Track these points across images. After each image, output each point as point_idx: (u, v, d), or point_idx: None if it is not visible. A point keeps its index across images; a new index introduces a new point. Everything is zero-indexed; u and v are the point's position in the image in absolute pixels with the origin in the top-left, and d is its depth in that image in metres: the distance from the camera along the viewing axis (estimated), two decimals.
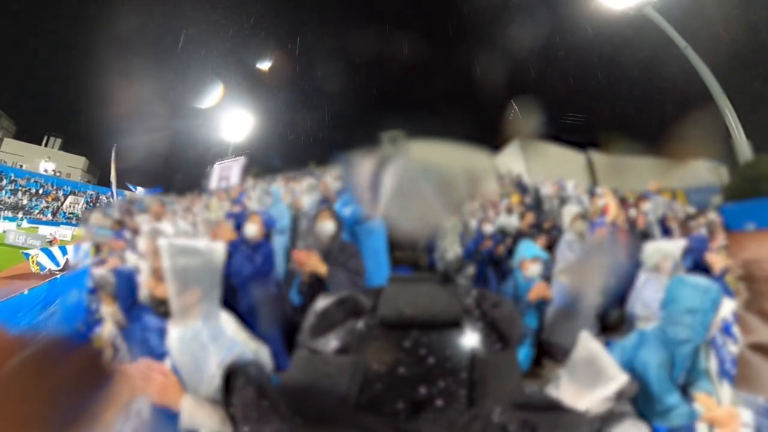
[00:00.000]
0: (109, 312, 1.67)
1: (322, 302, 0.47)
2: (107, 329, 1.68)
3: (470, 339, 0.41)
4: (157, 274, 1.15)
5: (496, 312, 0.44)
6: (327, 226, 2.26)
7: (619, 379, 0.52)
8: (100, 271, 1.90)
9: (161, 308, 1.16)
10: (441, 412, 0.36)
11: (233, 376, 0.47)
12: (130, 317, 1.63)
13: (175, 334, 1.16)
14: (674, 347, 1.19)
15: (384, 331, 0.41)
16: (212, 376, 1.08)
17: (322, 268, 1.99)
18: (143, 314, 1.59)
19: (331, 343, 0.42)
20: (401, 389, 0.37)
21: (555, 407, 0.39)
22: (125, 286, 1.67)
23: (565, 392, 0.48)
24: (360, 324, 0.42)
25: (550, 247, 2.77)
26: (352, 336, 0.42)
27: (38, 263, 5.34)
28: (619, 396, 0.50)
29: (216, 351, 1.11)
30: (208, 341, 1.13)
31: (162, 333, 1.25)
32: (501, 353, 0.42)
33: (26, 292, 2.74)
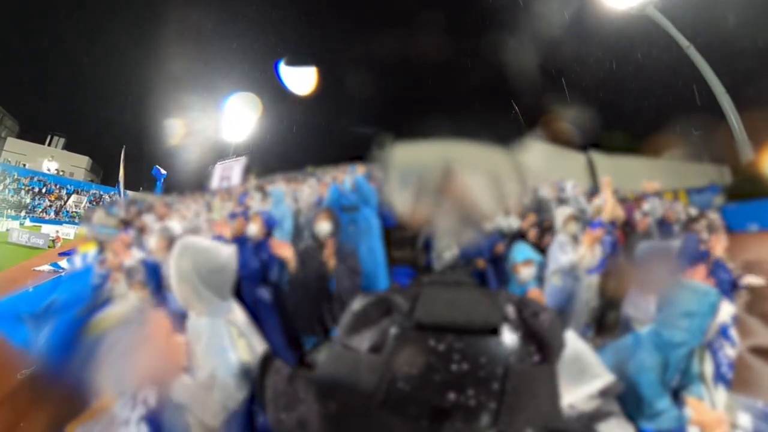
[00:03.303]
0: (138, 297, 1.87)
1: (359, 302, 0.47)
2: (123, 311, 1.83)
3: (507, 348, 0.39)
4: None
5: (536, 321, 0.42)
6: (324, 227, 2.40)
7: (604, 377, 0.52)
8: (130, 262, 2.17)
9: None
10: (466, 422, 0.35)
11: (268, 361, 0.48)
12: (158, 301, 1.82)
13: (192, 315, 1.27)
14: (669, 350, 1.19)
15: (418, 333, 0.40)
16: (201, 367, 1.15)
17: (291, 262, 2.20)
18: (168, 299, 1.75)
19: (366, 341, 0.42)
20: (429, 394, 0.36)
21: None
22: (153, 275, 1.88)
23: None
24: (395, 325, 0.42)
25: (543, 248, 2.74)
26: (385, 336, 0.41)
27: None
28: (603, 394, 0.51)
29: (207, 348, 1.17)
30: (205, 337, 1.20)
31: (183, 316, 1.34)
32: (538, 367, 0.40)
33: (30, 290, 2.76)
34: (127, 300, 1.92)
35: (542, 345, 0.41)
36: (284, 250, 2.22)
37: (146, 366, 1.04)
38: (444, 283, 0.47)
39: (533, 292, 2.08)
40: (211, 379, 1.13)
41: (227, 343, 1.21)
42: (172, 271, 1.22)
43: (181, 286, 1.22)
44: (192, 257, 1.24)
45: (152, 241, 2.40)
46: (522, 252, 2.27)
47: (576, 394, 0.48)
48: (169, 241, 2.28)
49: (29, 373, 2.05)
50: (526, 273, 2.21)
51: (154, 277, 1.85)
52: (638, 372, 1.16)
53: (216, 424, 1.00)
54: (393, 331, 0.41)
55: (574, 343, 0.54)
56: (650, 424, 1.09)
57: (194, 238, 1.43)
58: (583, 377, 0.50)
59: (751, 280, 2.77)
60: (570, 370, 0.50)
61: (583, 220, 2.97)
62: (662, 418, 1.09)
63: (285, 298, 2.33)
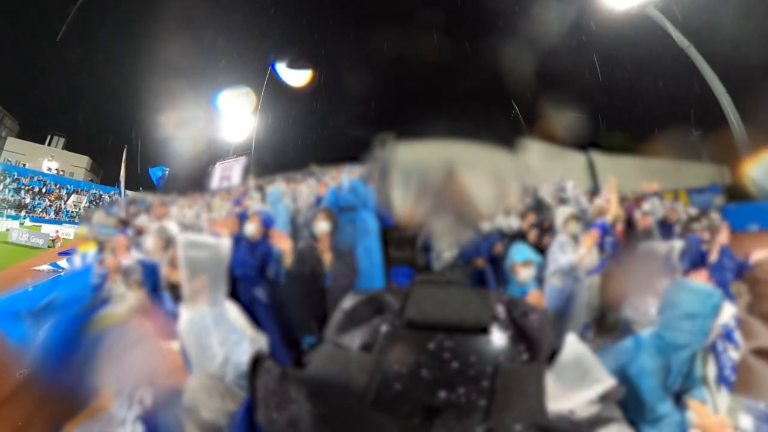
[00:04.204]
0: (135, 297, 1.89)
1: (349, 300, 0.48)
2: (123, 310, 1.84)
3: (496, 346, 0.40)
4: (173, 263, 1.36)
5: (526, 320, 0.43)
6: (323, 226, 2.41)
7: (605, 382, 0.51)
8: (127, 262, 2.17)
9: (175, 292, 1.34)
10: (456, 420, 0.35)
11: (259, 360, 0.48)
12: (154, 301, 1.83)
13: (185, 316, 1.31)
14: (671, 353, 1.17)
15: (409, 332, 0.41)
16: (214, 354, 1.20)
17: (287, 255, 2.21)
18: (164, 299, 1.79)
19: (356, 339, 0.42)
20: (420, 392, 0.36)
21: None
22: (149, 274, 1.90)
23: (550, 393, 0.48)
24: (385, 323, 0.42)
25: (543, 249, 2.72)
26: (376, 334, 0.41)
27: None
28: (604, 399, 0.51)
29: (217, 333, 1.25)
30: (212, 324, 1.27)
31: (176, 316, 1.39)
32: (527, 366, 0.40)
33: (30, 289, 2.76)
34: (124, 300, 1.93)
35: (531, 344, 0.42)
36: (283, 241, 2.24)
37: (142, 366, 1.05)
38: (435, 282, 0.47)
39: (533, 295, 2.03)
40: (223, 366, 1.17)
41: (232, 324, 1.30)
42: (182, 264, 1.28)
43: (194, 277, 1.29)
44: (196, 248, 1.33)
45: (149, 241, 2.38)
46: (521, 253, 2.21)
47: (577, 399, 0.48)
48: (166, 241, 2.27)
49: (28, 373, 2.05)
50: (526, 274, 2.16)
51: (150, 277, 1.86)
52: (639, 376, 1.14)
53: (236, 407, 1.00)
54: (384, 329, 0.42)
55: (575, 346, 0.54)
56: (652, 429, 1.08)
57: (194, 234, 1.48)
58: (584, 381, 0.49)
59: (758, 256, 2.73)
60: (571, 375, 0.50)
61: (584, 220, 2.95)
62: (664, 423, 1.07)
63: (282, 297, 2.34)
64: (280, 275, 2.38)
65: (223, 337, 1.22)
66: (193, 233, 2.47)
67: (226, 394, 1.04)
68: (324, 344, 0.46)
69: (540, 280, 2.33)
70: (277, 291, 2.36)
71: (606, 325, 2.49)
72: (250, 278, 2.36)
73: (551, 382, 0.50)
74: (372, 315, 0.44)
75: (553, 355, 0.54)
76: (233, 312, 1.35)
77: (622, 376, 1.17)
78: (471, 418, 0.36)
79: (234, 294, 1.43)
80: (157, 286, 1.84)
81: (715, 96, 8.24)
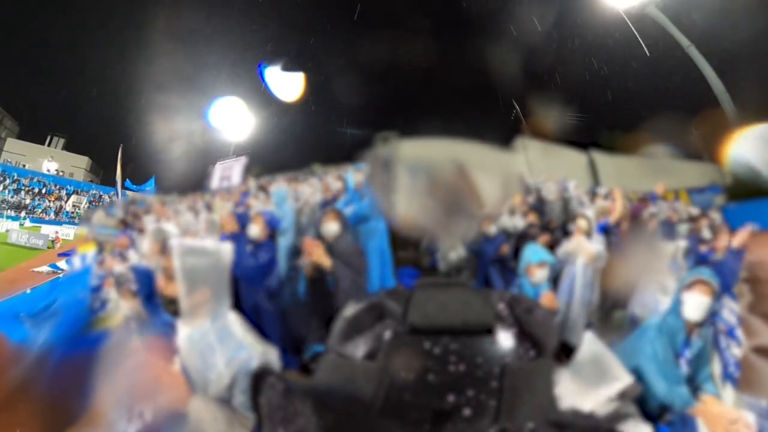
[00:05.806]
0: (129, 306, 1.74)
1: (351, 308, 0.47)
2: (119, 318, 1.75)
3: (502, 346, 0.40)
4: (168, 274, 1.18)
5: (529, 317, 0.43)
6: (331, 227, 2.35)
7: (624, 379, 0.52)
8: (120, 268, 2.05)
9: (171, 307, 1.18)
10: (467, 423, 0.35)
11: (261, 376, 0.48)
12: (150, 311, 1.69)
13: (184, 333, 1.17)
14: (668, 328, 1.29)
15: (413, 337, 0.40)
16: (220, 376, 1.08)
17: (325, 261, 2.08)
18: (160, 308, 1.63)
19: (360, 348, 0.42)
20: (428, 397, 0.36)
21: (595, 429, 0.38)
22: (144, 282, 1.74)
23: (567, 391, 0.48)
24: (389, 330, 0.42)
25: (552, 247, 2.75)
26: (380, 342, 0.41)
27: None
28: (622, 396, 0.50)
29: (223, 351, 1.12)
30: (216, 342, 1.13)
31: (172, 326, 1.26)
32: (534, 363, 0.41)
33: (28, 291, 2.75)
34: (118, 308, 1.82)
35: (537, 341, 0.41)
36: (318, 251, 2.03)
37: (137, 379, 1.01)
38: (436, 284, 0.47)
39: (547, 296, 2.04)
40: (231, 388, 1.07)
41: (239, 341, 1.18)
42: (180, 275, 1.13)
43: (193, 290, 1.15)
44: (194, 255, 1.18)
45: (144, 245, 2.29)
46: (536, 254, 2.22)
47: (596, 397, 0.47)
48: (163, 244, 2.18)
49: (28, 376, 2.03)
50: (540, 275, 2.16)
51: (145, 285, 1.71)
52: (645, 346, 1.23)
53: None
54: (387, 336, 0.41)
55: (592, 345, 0.54)
56: (665, 399, 1.11)
57: (189, 239, 1.37)
58: (602, 379, 0.49)
59: (739, 239, 2.79)
60: (589, 373, 0.49)
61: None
62: (674, 395, 1.13)
63: (288, 303, 2.28)
64: (295, 284, 2.30)
65: (229, 356, 1.10)
66: (191, 237, 2.39)
67: (233, 419, 0.97)
68: (327, 354, 0.46)
69: (554, 281, 2.34)
70: (282, 295, 2.31)
71: (612, 324, 2.50)
72: (254, 282, 2.29)
73: (570, 380, 0.49)
74: (374, 322, 0.44)
75: (570, 354, 0.52)
76: (238, 326, 1.22)
77: (633, 367, 1.22)
78: (482, 420, 0.35)
79: (237, 298, 1.33)
80: (152, 294, 1.69)
81: (715, 95, 8.25)
